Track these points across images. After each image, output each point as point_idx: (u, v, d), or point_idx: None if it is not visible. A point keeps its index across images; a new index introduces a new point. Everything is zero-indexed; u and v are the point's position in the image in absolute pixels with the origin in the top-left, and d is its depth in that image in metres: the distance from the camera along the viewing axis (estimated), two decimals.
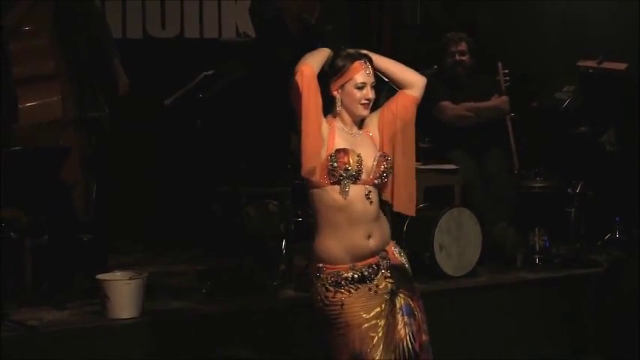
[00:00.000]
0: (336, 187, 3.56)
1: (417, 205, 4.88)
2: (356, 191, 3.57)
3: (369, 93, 3.62)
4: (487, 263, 5.94)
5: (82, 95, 5.66)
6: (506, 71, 6.52)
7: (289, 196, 5.67)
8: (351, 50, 3.66)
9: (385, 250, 3.67)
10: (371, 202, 3.59)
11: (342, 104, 3.63)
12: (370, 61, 3.65)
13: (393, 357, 3.57)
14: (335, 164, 3.54)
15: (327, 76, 3.61)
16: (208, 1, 7.45)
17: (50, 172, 5.19)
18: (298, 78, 3.49)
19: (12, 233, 5.05)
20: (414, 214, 3.86)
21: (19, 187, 5.08)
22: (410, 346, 3.60)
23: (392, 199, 3.70)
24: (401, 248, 3.77)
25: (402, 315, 3.61)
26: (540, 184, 6.25)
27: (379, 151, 3.66)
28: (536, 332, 5.60)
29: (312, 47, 3.71)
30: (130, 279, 4.88)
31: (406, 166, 3.72)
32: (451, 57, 6.49)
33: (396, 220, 3.99)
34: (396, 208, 3.72)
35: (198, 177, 6.41)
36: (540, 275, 5.92)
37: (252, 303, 5.25)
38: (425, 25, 7.91)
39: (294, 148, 5.72)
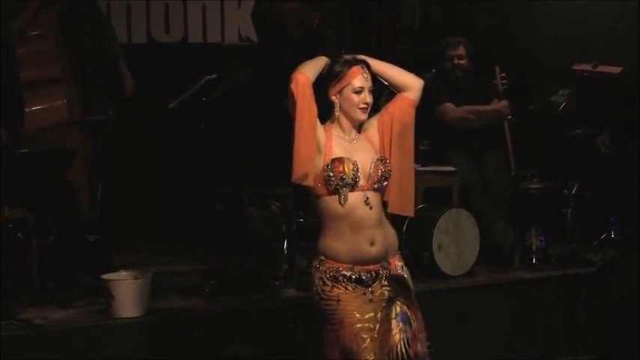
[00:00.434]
0: (335, 197, 3.59)
1: (417, 206, 4.97)
2: (355, 198, 3.59)
3: (367, 97, 3.64)
4: (484, 263, 5.95)
5: (88, 98, 5.70)
6: (504, 75, 6.52)
7: (291, 197, 5.67)
8: (348, 56, 3.69)
9: (388, 262, 3.68)
10: (371, 207, 3.61)
11: (341, 109, 3.66)
12: (367, 65, 3.67)
13: None
14: (331, 174, 3.56)
15: (326, 82, 3.64)
16: (211, 5, 7.45)
17: (57, 174, 5.24)
18: (293, 86, 3.53)
19: (19, 234, 5.05)
20: (413, 215, 3.90)
21: (27, 189, 5.14)
22: (404, 350, 3.61)
23: (390, 200, 3.71)
24: (401, 248, 3.80)
25: (398, 321, 3.63)
26: (537, 185, 6.23)
27: (378, 154, 3.68)
28: (532, 331, 5.61)
29: (313, 51, 3.76)
30: (135, 278, 4.91)
31: (405, 168, 3.73)
32: (450, 61, 6.50)
33: (396, 220, 4.03)
34: (396, 210, 3.73)
35: (202, 178, 6.41)
36: (537, 275, 5.93)
37: (254, 302, 5.27)
38: (423, 29, 7.92)
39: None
